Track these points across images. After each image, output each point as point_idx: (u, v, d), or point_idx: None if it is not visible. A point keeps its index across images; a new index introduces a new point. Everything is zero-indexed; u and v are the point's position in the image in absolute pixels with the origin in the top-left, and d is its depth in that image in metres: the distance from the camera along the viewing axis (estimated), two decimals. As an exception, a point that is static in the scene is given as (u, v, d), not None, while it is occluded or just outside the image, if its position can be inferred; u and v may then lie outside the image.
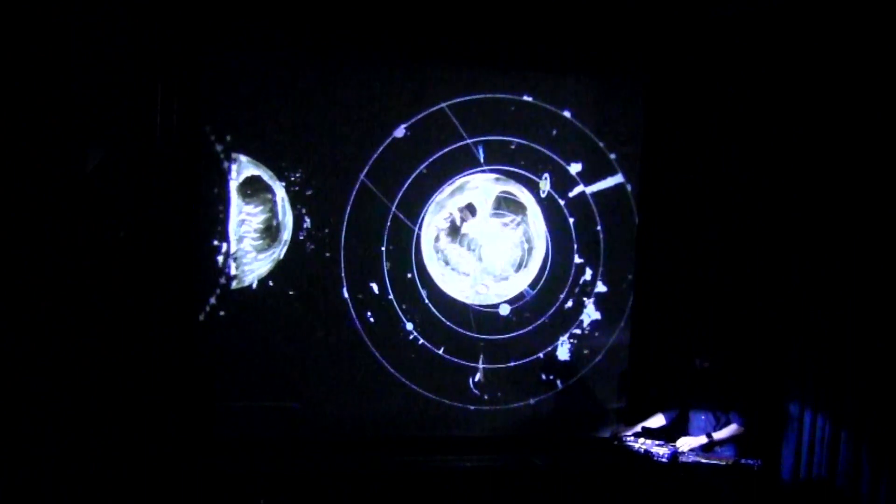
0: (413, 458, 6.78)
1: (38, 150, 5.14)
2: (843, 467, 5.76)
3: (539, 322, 7.07)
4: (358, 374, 6.80)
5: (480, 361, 7.00)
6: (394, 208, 6.84)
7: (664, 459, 5.69)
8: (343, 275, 6.77)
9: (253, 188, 6.68)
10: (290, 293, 6.72)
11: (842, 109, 5.79)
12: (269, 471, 6.39)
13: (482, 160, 6.93)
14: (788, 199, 6.22)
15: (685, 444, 5.75)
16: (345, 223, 6.77)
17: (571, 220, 7.08)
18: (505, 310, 7.02)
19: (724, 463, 5.68)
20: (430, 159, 6.86)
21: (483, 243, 7.04)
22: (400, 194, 6.85)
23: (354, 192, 6.77)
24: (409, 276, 6.89)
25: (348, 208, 6.77)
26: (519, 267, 7.09)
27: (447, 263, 6.97)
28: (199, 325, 6.55)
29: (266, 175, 6.68)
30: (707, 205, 6.82)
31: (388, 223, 6.84)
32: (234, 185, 6.63)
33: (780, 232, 6.30)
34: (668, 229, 6.98)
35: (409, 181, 6.86)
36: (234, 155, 6.61)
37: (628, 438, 5.92)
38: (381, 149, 6.79)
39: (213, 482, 6.22)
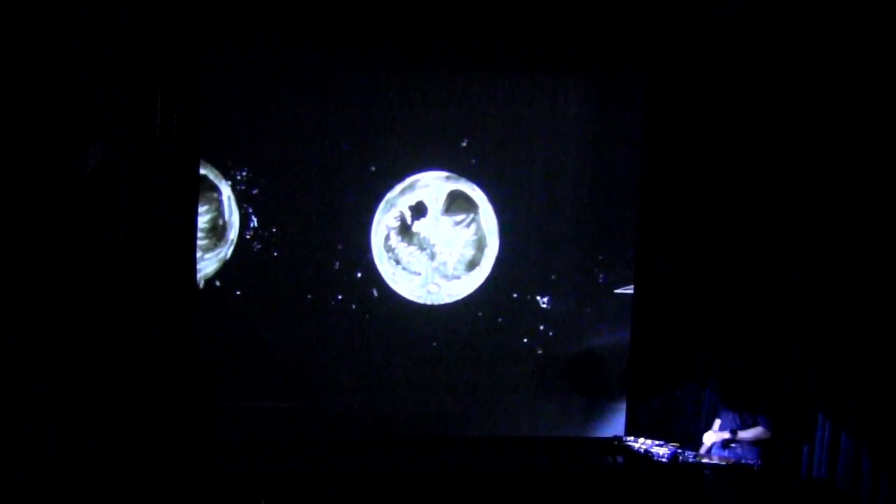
0: (413, 458, 6.77)
1: (38, 150, 5.14)
2: (843, 467, 5.77)
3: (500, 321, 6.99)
4: (313, 372, 6.71)
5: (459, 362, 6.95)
6: (341, 207, 6.72)
7: (664, 459, 5.70)
8: (291, 275, 6.67)
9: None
10: (238, 293, 6.63)
11: (842, 109, 5.79)
12: (269, 471, 6.39)
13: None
14: (789, 198, 6.22)
15: (709, 438, 5.76)
16: (293, 222, 6.67)
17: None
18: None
19: (724, 463, 5.69)
20: (379, 159, 6.76)
21: (435, 242, 6.98)
22: (348, 192, 6.73)
23: (302, 191, 6.67)
24: (359, 275, 6.80)
25: (296, 207, 6.67)
26: (472, 266, 7.04)
27: (398, 263, 6.90)
28: (199, 325, 6.54)
29: (211, 174, 6.57)
30: (707, 204, 6.81)
31: (337, 222, 6.75)
32: None
33: (780, 232, 6.30)
34: (669, 229, 6.98)
35: (358, 179, 6.75)
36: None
37: (629, 438, 5.93)
38: (330, 146, 6.67)
39: (213, 482, 6.22)
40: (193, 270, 6.50)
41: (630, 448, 5.88)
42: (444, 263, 6.96)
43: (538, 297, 7.05)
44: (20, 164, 5.04)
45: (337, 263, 6.75)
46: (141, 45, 5.92)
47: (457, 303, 6.97)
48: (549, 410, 7.08)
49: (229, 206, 6.61)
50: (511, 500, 6.43)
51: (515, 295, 7.02)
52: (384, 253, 6.84)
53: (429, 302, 6.93)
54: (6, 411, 5.01)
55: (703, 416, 6.50)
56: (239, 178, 6.60)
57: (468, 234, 7.01)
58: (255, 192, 6.62)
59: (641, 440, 5.88)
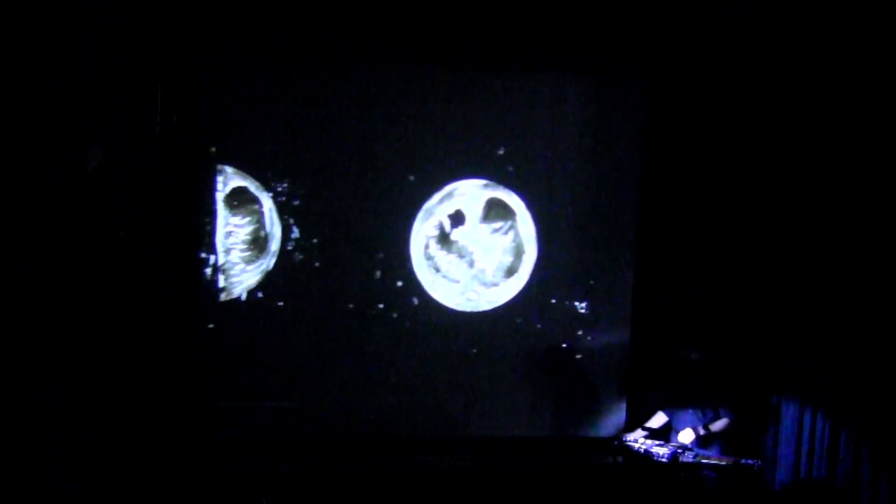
0: (412, 458, 6.78)
1: (38, 150, 5.15)
2: (843, 467, 5.77)
3: (537, 326, 7.04)
4: (358, 379, 6.78)
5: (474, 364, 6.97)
6: (381, 216, 6.78)
7: (664, 459, 5.70)
8: (332, 284, 6.72)
9: (239, 199, 6.63)
10: (280, 304, 6.67)
11: (843, 109, 5.79)
12: (270, 471, 6.39)
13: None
14: (790, 198, 6.23)
15: (686, 436, 5.77)
16: (334, 233, 6.72)
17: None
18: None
19: (724, 463, 5.69)
20: (420, 167, 6.82)
21: (474, 250, 7.02)
22: (389, 202, 6.79)
23: (343, 202, 6.72)
24: (400, 283, 6.86)
25: (337, 218, 6.72)
26: (510, 273, 7.07)
27: (438, 270, 6.94)
28: (201, 328, 6.54)
29: (252, 186, 6.64)
30: (708, 204, 6.82)
31: (377, 231, 6.79)
32: (220, 197, 6.58)
33: (780, 232, 6.30)
34: (670, 229, 6.98)
35: (397, 189, 6.80)
36: (219, 166, 6.56)
37: (630, 440, 5.93)
38: (368, 157, 6.74)
39: (213, 482, 6.22)
40: (194, 271, 6.51)
41: (630, 448, 5.88)
42: (483, 271, 7.02)
43: (576, 303, 7.10)
44: (20, 164, 5.04)
45: (378, 272, 6.82)
46: (141, 45, 5.93)
47: (496, 310, 7.02)
48: (549, 410, 7.09)
49: (271, 217, 6.68)
50: (511, 500, 6.43)
51: (553, 301, 7.06)
52: (424, 261, 6.91)
53: (468, 309, 6.99)
54: (7, 411, 5.01)
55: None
56: (280, 189, 6.66)
57: (506, 241, 7.06)
58: (296, 203, 6.68)
59: (641, 440, 5.88)
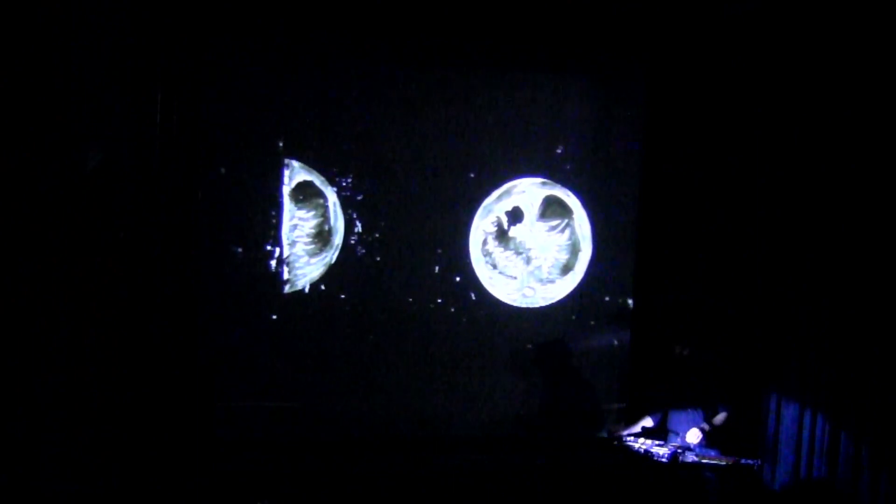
0: (413, 458, 6.78)
1: (38, 150, 5.15)
2: (843, 467, 5.76)
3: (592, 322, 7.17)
4: (402, 377, 6.91)
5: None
6: (441, 212, 6.92)
7: (664, 459, 5.69)
8: (393, 278, 6.87)
9: (305, 193, 6.79)
10: (342, 297, 6.81)
11: (842, 109, 5.79)
12: (270, 471, 6.39)
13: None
14: (790, 198, 6.22)
15: (694, 435, 5.78)
16: (395, 228, 6.87)
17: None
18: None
19: (724, 463, 5.69)
20: (479, 164, 6.97)
21: (531, 247, 7.10)
22: (448, 199, 6.94)
23: (403, 197, 6.87)
24: (458, 279, 6.97)
25: (398, 213, 6.87)
26: (566, 270, 7.15)
27: (495, 267, 7.05)
28: (200, 327, 6.55)
29: (318, 180, 6.79)
30: (708, 204, 6.82)
31: (437, 227, 6.93)
32: (286, 191, 6.72)
33: (780, 232, 6.30)
34: (670, 229, 6.98)
35: (457, 185, 6.95)
36: (286, 161, 6.71)
37: (628, 438, 5.93)
38: (429, 154, 6.89)
39: (213, 482, 6.22)
40: (194, 271, 6.51)
41: (630, 448, 5.88)
42: (539, 267, 7.12)
43: (629, 300, 7.20)
44: (20, 163, 5.04)
45: (437, 267, 6.93)
46: (141, 45, 5.93)
47: (552, 306, 7.11)
48: (549, 410, 7.09)
49: (335, 211, 6.80)
50: (511, 500, 6.43)
51: (607, 298, 7.17)
52: (482, 257, 7.03)
53: (524, 305, 7.07)
54: (7, 411, 5.01)
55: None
56: (344, 184, 6.80)
57: (563, 238, 7.15)
58: (359, 198, 6.80)
59: (641, 440, 5.88)
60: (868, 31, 5.57)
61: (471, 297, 7.00)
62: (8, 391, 5.02)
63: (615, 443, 6.04)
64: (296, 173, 6.74)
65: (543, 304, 7.11)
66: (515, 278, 7.10)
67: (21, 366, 5.08)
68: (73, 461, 5.42)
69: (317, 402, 6.77)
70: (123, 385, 5.81)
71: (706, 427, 5.84)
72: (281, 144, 6.68)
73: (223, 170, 6.57)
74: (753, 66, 6.49)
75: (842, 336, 5.78)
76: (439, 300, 6.95)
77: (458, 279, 6.98)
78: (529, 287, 7.11)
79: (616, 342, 7.19)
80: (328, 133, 6.75)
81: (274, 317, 6.73)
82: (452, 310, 6.97)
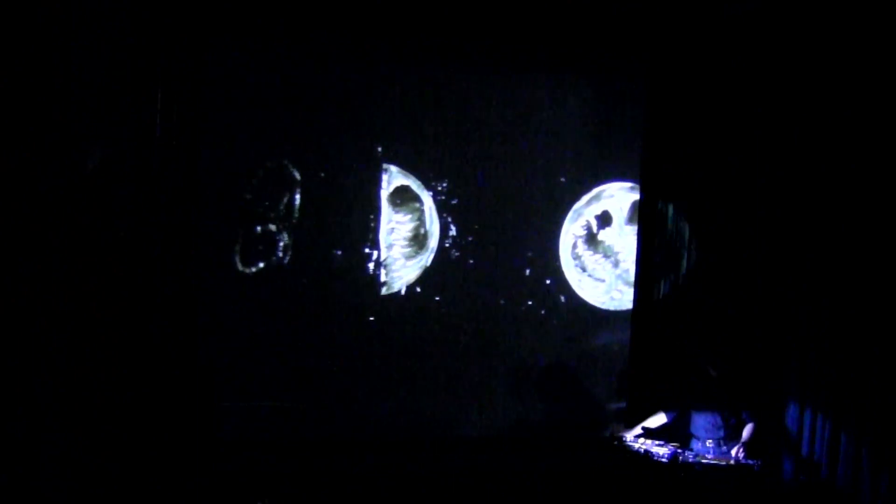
0: (412, 459, 6.78)
1: (38, 150, 5.14)
2: (843, 467, 5.77)
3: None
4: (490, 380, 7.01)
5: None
6: (532, 216, 7.02)
7: (664, 459, 5.70)
8: (485, 281, 6.97)
9: (402, 197, 6.89)
10: (437, 299, 6.91)
11: (842, 109, 5.79)
12: (270, 471, 6.39)
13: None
14: (790, 198, 6.23)
15: (738, 450, 5.79)
16: (487, 231, 6.97)
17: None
18: None
19: (724, 463, 5.69)
20: (569, 168, 7.05)
21: (619, 250, 7.17)
22: (538, 203, 7.03)
23: (496, 201, 6.96)
24: (548, 281, 7.04)
25: (490, 217, 6.97)
26: None
27: (584, 270, 7.12)
28: (201, 327, 6.55)
29: (414, 185, 6.89)
30: (708, 204, 6.82)
31: (528, 231, 7.02)
32: (384, 195, 6.81)
33: (780, 232, 6.30)
34: (669, 229, 6.98)
35: (548, 190, 7.04)
36: (385, 165, 6.79)
37: (628, 438, 5.93)
38: (519, 159, 6.99)
39: (213, 482, 6.22)
40: (194, 271, 6.51)
41: (630, 448, 5.88)
42: (627, 271, 7.19)
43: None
44: (20, 163, 5.03)
45: (528, 270, 7.01)
46: (141, 45, 5.92)
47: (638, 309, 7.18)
48: (549, 410, 7.09)
49: (430, 215, 6.91)
50: (511, 500, 6.43)
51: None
52: (571, 260, 7.11)
53: (612, 308, 7.15)
54: (7, 411, 5.00)
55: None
56: (440, 188, 6.90)
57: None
58: (454, 202, 6.88)
59: (641, 440, 5.88)
60: (868, 31, 5.57)
61: (561, 299, 7.08)
62: (8, 391, 5.01)
63: (615, 443, 6.05)
64: (393, 178, 6.86)
65: (631, 307, 7.18)
66: (604, 281, 7.18)
67: (21, 366, 5.07)
68: (73, 461, 5.41)
69: (405, 402, 6.90)
70: (123, 385, 5.80)
71: (744, 443, 5.84)
72: (380, 149, 6.79)
73: (322, 174, 6.68)
74: (753, 66, 6.49)
75: (842, 336, 5.78)
76: (529, 302, 7.04)
77: (548, 282, 7.06)
78: (618, 290, 7.19)
79: (615, 342, 7.20)
80: (424, 139, 6.86)
81: (371, 318, 6.83)
82: (542, 312, 7.06)
